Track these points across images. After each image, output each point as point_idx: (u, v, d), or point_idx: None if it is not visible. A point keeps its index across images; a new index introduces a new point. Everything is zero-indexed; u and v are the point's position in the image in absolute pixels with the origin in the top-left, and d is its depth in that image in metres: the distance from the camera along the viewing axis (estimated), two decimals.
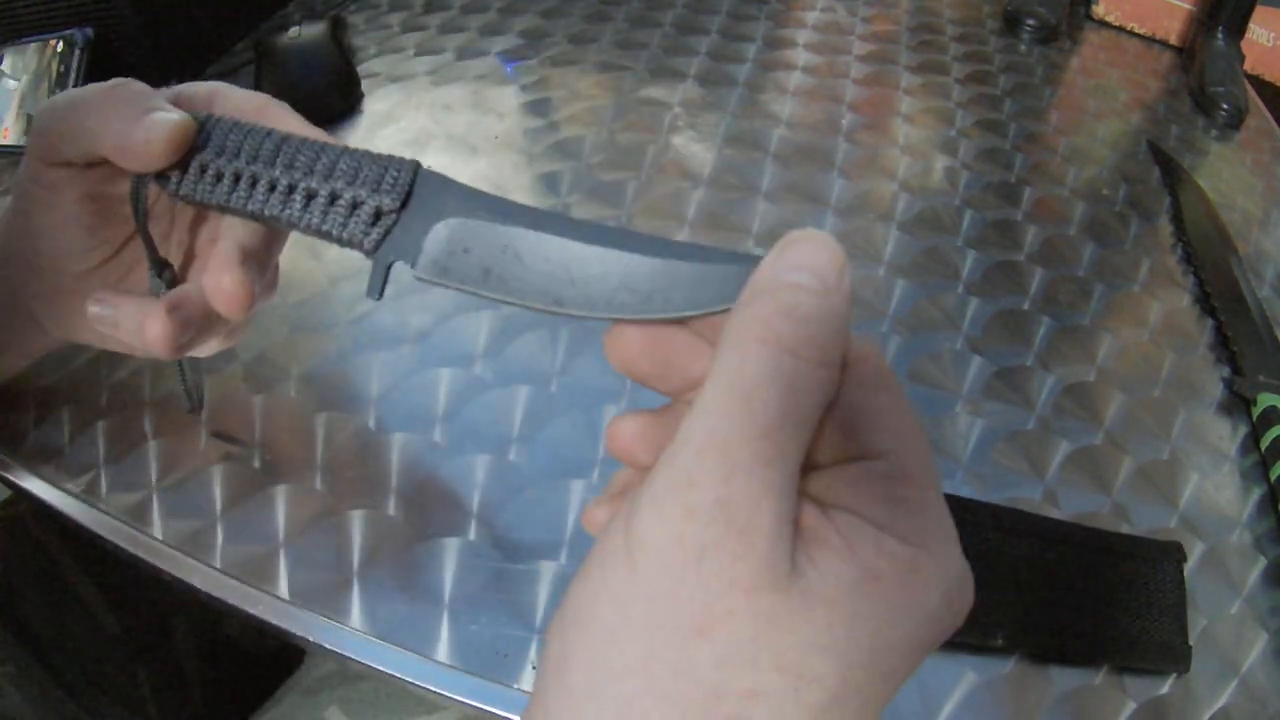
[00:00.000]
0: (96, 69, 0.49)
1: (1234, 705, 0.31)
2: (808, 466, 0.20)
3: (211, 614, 0.64)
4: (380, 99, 0.55)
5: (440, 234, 0.24)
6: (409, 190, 0.25)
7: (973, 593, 0.19)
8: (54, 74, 0.48)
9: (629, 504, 0.18)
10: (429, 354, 0.40)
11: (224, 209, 0.27)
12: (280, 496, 0.35)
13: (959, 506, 0.34)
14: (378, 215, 0.25)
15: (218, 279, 0.28)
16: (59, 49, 0.49)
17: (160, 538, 0.34)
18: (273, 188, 0.26)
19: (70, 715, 0.55)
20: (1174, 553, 0.34)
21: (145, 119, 0.27)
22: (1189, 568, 0.34)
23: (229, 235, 0.29)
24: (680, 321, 0.22)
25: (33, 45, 0.50)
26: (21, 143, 0.50)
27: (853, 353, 0.20)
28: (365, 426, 0.37)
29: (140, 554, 0.34)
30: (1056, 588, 0.32)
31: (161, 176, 0.28)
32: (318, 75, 0.54)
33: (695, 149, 0.53)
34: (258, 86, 0.53)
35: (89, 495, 0.35)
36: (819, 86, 0.59)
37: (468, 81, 0.57)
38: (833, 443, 0.20)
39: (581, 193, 0.49)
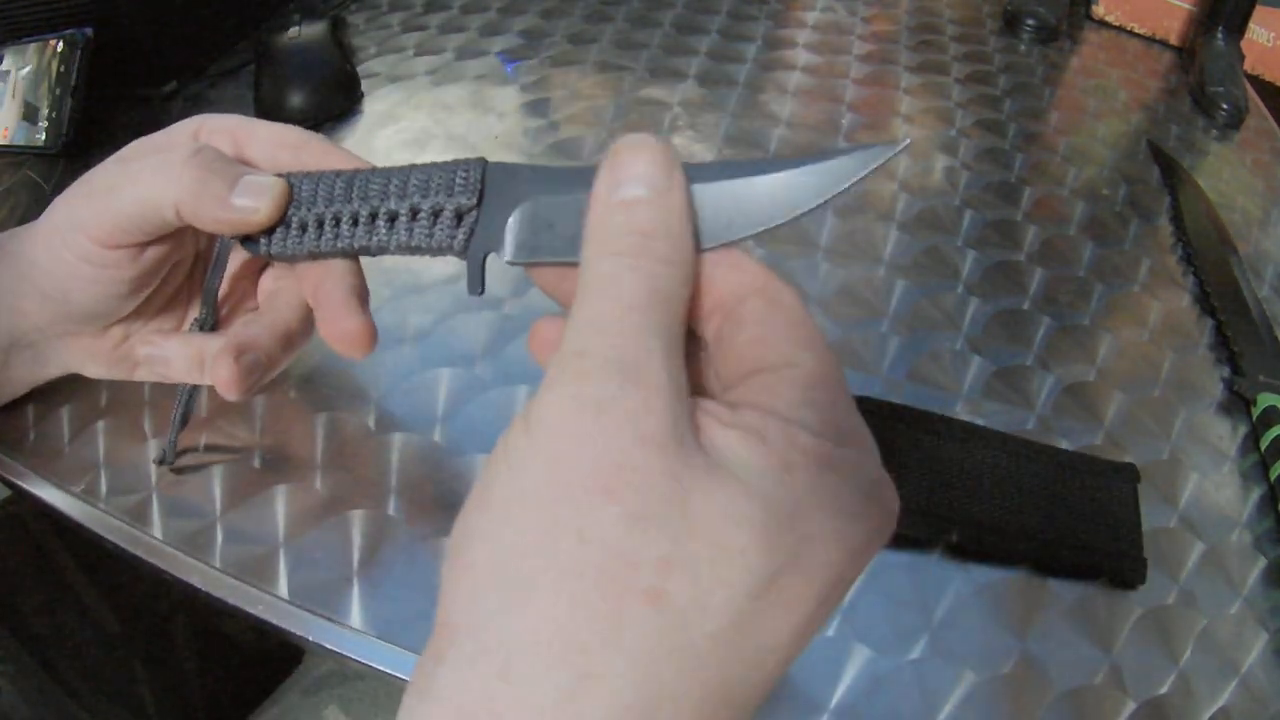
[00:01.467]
0: (97, 69, 0.49)
1: (1234, 705, 0.31)
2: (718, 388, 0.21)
3: (211, 614, 0.64)
4: (380, 99, 0.55)
5: (521, 218, 0.25)
6: (481, 185, 0.26)
7: (896, 499, 0.19)
8: (54, 74, 0.48)
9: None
10: (429, 354, 0.40)
11: (315, 255, 0.28)
12: (280, 496, 0.35)
13: (919, 417, 0.36)
14: (459, 216, 0.26)
15: (341, 325, 0.28)
16: (59, 49, 0.49)
17: (160, 538, 0.34)
18: (355, 221, 0.27)
19: (70, 715, 0.55)
20: (1128, 472, 0.36)
21: (243, 185, 0.27)
22: (1189, 565, 0.35)
23: (336, 280, 0.29)
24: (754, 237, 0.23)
25: (33, 45, 0.50)
26: (21, 143, 0.49)
27: (750, 283, 0.20)
28: (365, 426, 0.37)
29: (140, 554, 0.34)
30: (1013, 494, 0.34)
31: (249, 240, 0.28)
32: (318, 75, 0.54)
33: (695, 149, 0.53)
34: (258, 86, 0.53)
35: (89, 495, 0.35)
36: (819, 86, 0.59)
37: (468, 81, 0.57)
38: (740, 366, 0.20)
39: None
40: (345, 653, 0.31)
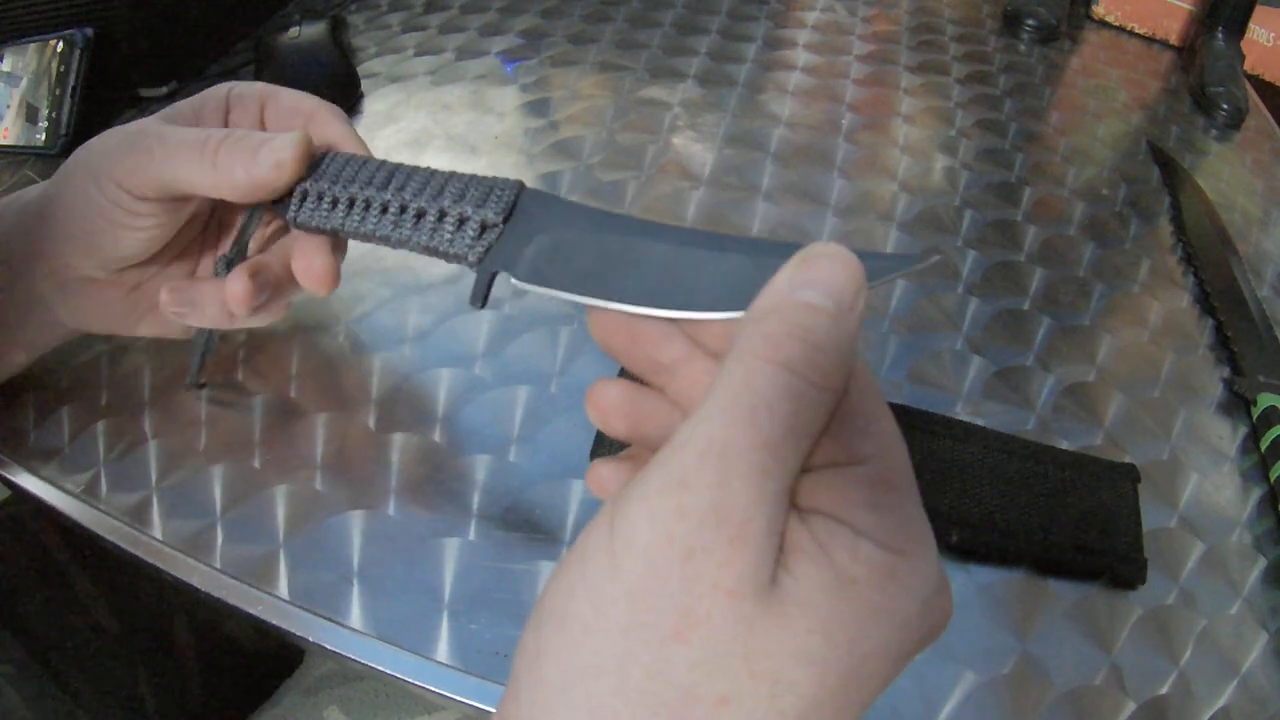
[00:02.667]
0: (96, 69, 0.49)
1: (1234, 705, 0.31)
2: None
3: (211, 614, 0.64)
4: (380, 99, 0.55)
5: (541, 245, 0.25)
6: (512, 205, 0.26)
7: (951, 602, 0.19)
8: (54, 74, 0.48)
9: (612, 503, 0.18)
10: (429, 354, 0.40)
11: (339, 232, 0.29)
12: (280, 496, 0.35)
13: (918, 417, 0.36)
14: (483, 229, 0.26)
15: (310, 261, 0.31)
16: (59, 49, 0.49)
17: (160, 538, 0.34)
18: (384, 209, 0.28)
19: (70, 716, 0.55)
20: (1129, 472, 0.36)
21: (267, 147, 0.28)
22: (1189, 565, 0.35)
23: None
24: None
25: (33, 45, 0.50)
26: (21, 143, 0.49)
27: None
28: (365, 426, 0.37)
29: (140, 554, 0.34)
30: (1014, 495, 0.34)
31: (282, 204, 0.30)
32: (318, 75, 0.54)
33: (695, 149, 0.53)
34: None
35: (89, 495, 0.35)
36: (819, 86, 0.59)
37: (468, 81, 0.57)
38: (817, 449, 0.20)
39: (582, 193, 0.49)
40: (345, 653, 0.31)
